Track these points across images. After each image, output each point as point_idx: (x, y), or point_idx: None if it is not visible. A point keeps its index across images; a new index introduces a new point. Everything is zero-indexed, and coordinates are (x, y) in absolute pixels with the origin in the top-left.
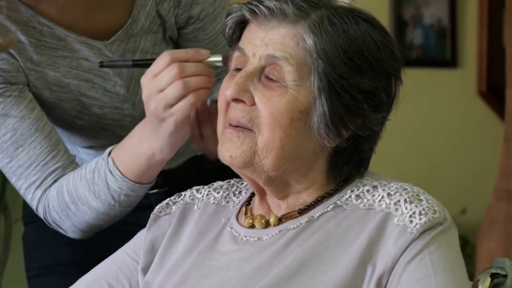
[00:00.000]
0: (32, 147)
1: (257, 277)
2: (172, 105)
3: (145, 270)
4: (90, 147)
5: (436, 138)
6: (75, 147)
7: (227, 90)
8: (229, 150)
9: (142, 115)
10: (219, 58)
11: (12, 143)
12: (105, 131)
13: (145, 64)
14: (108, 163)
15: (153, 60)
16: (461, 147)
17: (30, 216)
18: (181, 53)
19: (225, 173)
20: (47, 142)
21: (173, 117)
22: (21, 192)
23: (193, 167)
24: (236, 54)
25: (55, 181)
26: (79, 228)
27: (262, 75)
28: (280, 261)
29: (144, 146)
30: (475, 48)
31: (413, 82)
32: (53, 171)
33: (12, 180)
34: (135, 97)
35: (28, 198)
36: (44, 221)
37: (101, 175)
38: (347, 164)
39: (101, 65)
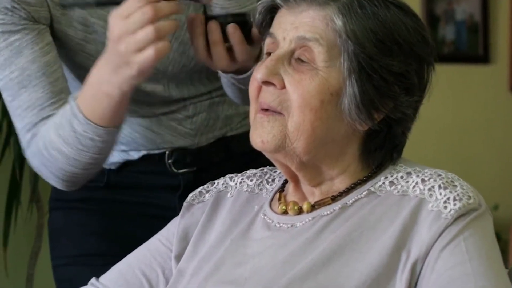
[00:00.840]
0: (34, 90)
1: (290, 264)
2: (141, 50)
3: (178, 258)
4: None
5: (468, 134)
6: None
7: (257, 73)
8: (260, 135)
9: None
10: None
11: (18, 82)
12: None
13: (109, 2)
14: (72, 107)
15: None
16: (492, 144)
17: (55, 201)
18: None
19: (254, 156)
20: (50, 88)
21: (138, 64)
22: (17, 131)
23: (222, 148)
24: (267, 40)
25: None
26: (57, 175)
27: (292, 58)
28: (313, 248)
29: (103, 87)
30: (507, 43)
31: (445, 78)
32: (47, 117)
33: (12, 119)
34: None
35: (22, 142)
36: (30, 164)
37: (67, 119)
38: (380, 149)
39: (62, 4)
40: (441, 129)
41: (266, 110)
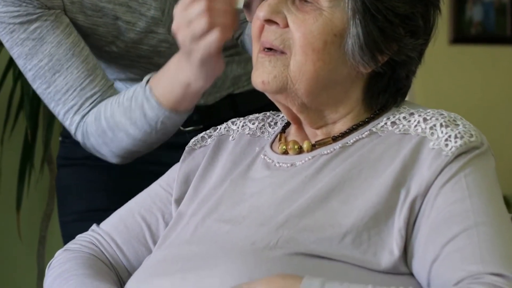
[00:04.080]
0: (69, 72)
1: (288, 201)
2: (198, 39)
3: (178, 201)
4: (127, 79)
5: (495, 115)
6: (112, 80)
7: (260, 11)
8: (261, 75)
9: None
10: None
11: (49, 68)
12: (141, 58)
13: None
14: (145, 91)
15: None
16: None
17: (63, 159)
18: None
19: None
20: (84, 66)
21: (199, 52)
22: (60, 117)
23: (229, 106)
24: None
25: (93, 107)
26: (117, 154)
27: None
28: (312, 185)
29: (180, 75)
30: None
31: (472, 59)
32: (91, 96)
33: (51, 106)
34: (170, 21)
35: (66, 124)
36: (83, 146)
37: (138, 103)
38: (383, 92)
39: None
40: (468, 110)
41: (269, 50)
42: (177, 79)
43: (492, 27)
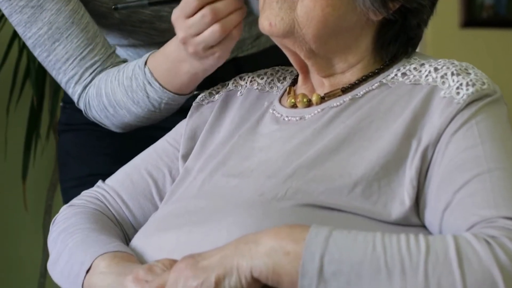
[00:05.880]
0: (69, 41)
1: (297, 154)
2: (212, 46)
3: (185, 157)
4: (129, 45)
5: (507, 100)
6: (114, 46)
7: None
8: (268, 17)
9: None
10: None
11: (49, 37)
12: (143, 23)
13: (163, 1)
14: (145, 73)
15: None
16: None
17: (64, 124)
18: None
19: None
20: (84, 35)
21: (216, 54)
22: (62, 85)
23: (233, 69)
24: None
25: (94, 76)
26: (119, 126)
27: None
28: (322, 137)
29: (185, 66)
30: None
31: (484, 43)
32: (91, 65)
33: (52, 74)
34: None
35: (69, 92)
36: (85, 115)
37: (140, 84)
38: (394, 42)
39: (115, 8)
40: None
41: None
42: (183, 68)
43: (503, 11)
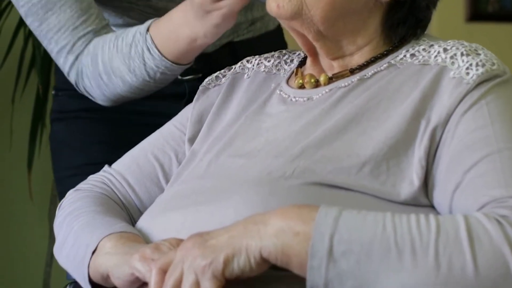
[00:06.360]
0: (62, 11)
1: (305, 133)
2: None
3: (191, 140)
4: (124, 25)
5: None
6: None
7: None
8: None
9: None
10: None
11: (42, 6)
12: (139, 0)
13: None
14: (146, 40)
15: None
16: None
17: (58, 112)
18: None
19: None
20: (78, 5)
21: (221, 11)
22: (53, 55)
23: (228, 54)
24: None
25: (87, 45)
26: (109, 98)
27: None
28: (329, 117)
29: (186, 30)
30: None
31: (489, 37)
32: (84, 35)
33: (44, 43)
34: None
35: (60, 62)
36: (75, 86)
37: (138, 51)
38: (403, 23)
39: None
40: None
41: None
42: (183, 33)
43: (509, 5)
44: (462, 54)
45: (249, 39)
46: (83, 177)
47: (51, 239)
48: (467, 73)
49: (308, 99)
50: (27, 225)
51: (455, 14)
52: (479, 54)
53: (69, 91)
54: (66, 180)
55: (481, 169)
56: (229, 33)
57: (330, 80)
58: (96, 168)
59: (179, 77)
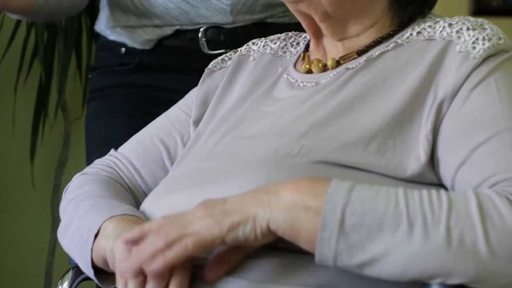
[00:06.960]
0: None
1: (311, 114)
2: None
3: (197, 122)
4: None
5: None
6: None
7: None
8: None
9: None
10: None
11: None
12: None
13: None
14: None
15: None
16: None
17: (91, 92)
18: None
19: None
20: None
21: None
22: None
23: (259, 32)
24: None
25: None
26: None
27: None
28: (336, 97)
29: None
30: None
31: None
32: None
33: None
34: None
35: None
36: None
37: None
38: (411, 3)
39: None
40: None
41: None
42: None
43: None
44: (468, 29)
45: (284, 23)
46: (108, 149)
47: (54, 228)
48: (474, 47)
49: (316, 84)
50: (30, 213)
51: (459, 9)
52: (485, 29)
53: (100, 68)
54: (93, 153)
55: (490, 148)
56: (262, 11)
57: (338, 63)
58: (120, 140)
59: (208, 50)
